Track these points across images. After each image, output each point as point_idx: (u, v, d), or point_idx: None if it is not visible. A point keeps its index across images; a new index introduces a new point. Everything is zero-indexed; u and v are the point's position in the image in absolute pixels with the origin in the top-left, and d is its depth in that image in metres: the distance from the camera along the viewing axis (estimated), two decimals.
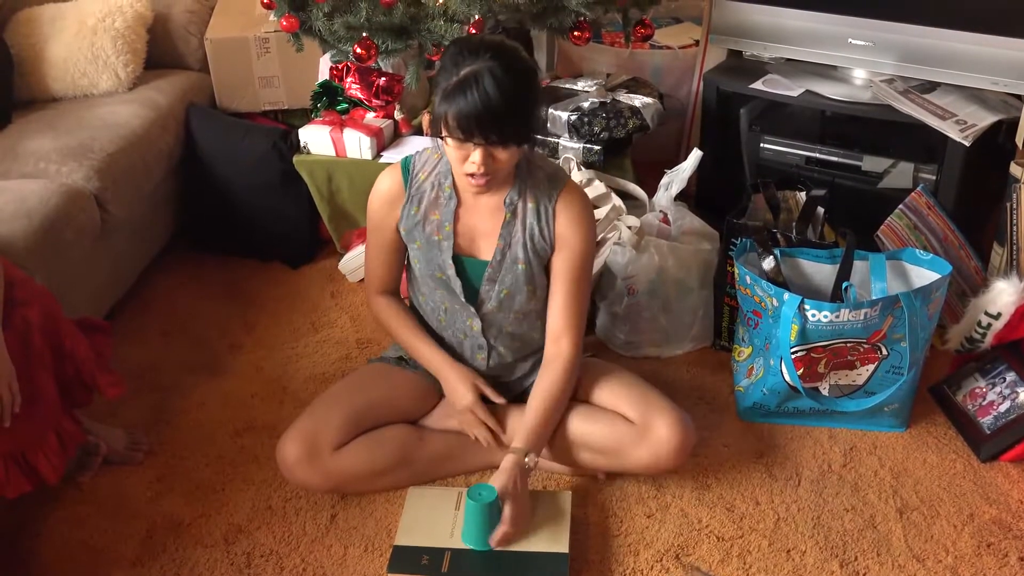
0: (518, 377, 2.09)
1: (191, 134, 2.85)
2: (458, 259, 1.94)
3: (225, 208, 2.85)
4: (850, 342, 2.03)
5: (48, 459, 1.82)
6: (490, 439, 1.97)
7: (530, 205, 1.91)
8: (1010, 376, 2.14)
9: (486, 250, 1.94)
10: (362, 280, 2.74)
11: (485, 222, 1.93)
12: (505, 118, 1.71)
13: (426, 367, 2.05)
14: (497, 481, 1.81)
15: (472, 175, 1.78)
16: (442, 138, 1.76)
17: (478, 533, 1.82)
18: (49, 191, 2.31)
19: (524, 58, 1.78)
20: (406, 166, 1.96)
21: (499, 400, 1.99)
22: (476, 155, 1.74)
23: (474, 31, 2.36)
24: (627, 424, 1.94)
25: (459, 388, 1.98)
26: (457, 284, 1.94)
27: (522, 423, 1.90)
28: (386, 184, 1.97)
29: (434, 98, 1.76)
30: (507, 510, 1.81)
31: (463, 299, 1.96)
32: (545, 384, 1.92)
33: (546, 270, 1.96)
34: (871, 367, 2.09)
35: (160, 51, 3.06)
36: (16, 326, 1.76)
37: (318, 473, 1.91)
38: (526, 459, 1.84)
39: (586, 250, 1.93)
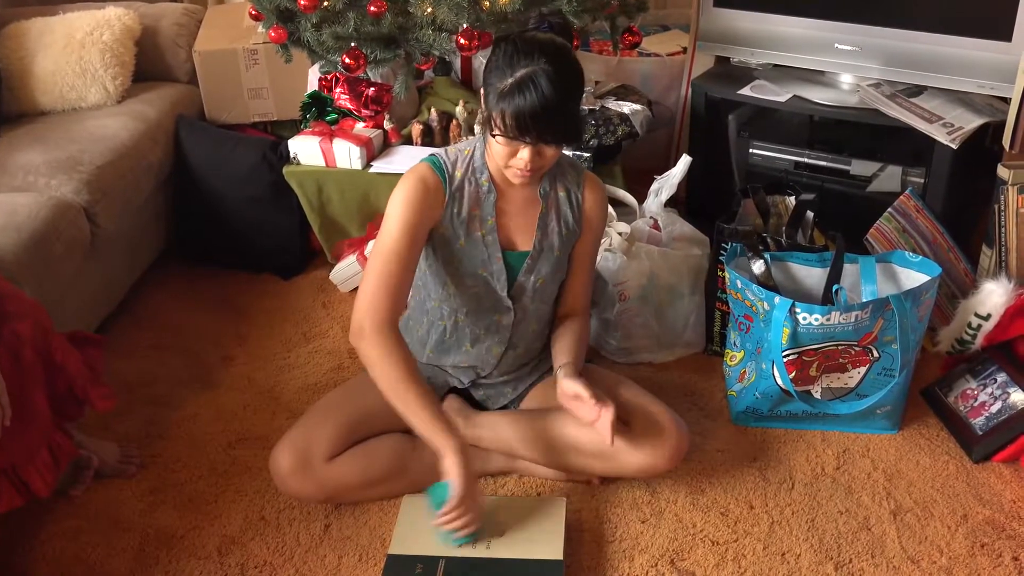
0: (511, 380, 2.10)
1: (180, 146, 2.85)
2: (502, 252, 1.95)
3: (215, 220, 2.84)
4: (841, 345, 2.04)
5: (40, 473, 1.81)
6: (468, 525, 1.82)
7: (561, 194, 1.97)
8: (1001, 377, 2.15)
9: (522, 242, 1.96)
10: (354, 290, 2.75)
11: (522, 214, 1.95)
12: (560, 119, 1.74)
13: (418, 427, 1.84)
14: (565, 383, 1.87)
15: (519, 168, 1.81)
16: (493, 135, 1.77)
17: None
18: (38, 204, 2.30)
19: (575, 58, 1.81)
20: (438, 165, 1.91)
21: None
22: (525, 152, 1.77)
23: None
24: (622, 427, 1.94)
25: (453, 458, 1.81)
26: (503, 276, 1.95)
27: (561, 348, 1.99)
28: (422, 185, 1.86)
29: (486, 95, 1.77)
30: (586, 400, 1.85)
31: (503, 293, 1.96)
32: (571, 325, 2.03)
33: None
34: (862, 370, 2.09)
35: (149, 64, 3.06)
36: (7, 340, 1.75)
37: (311, 483, 1.90)
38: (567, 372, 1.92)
39: (603, 230, 2.07)
